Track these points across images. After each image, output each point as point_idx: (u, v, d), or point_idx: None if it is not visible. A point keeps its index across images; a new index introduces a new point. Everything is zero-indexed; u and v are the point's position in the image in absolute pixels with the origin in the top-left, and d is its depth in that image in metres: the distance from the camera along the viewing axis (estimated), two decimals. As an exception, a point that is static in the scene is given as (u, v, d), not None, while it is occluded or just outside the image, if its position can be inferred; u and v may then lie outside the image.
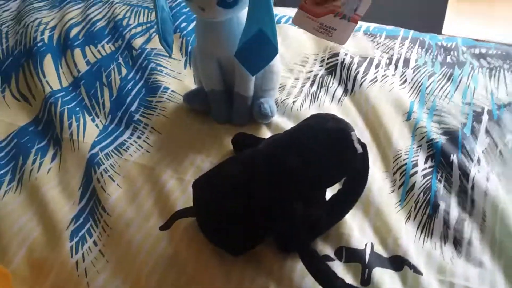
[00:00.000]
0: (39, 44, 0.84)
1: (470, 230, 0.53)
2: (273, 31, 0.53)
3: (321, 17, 0.53)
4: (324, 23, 0.53)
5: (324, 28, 0.53)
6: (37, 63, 0.80)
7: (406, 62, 0.77)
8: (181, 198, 0.58)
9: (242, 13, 0.58)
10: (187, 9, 0.92)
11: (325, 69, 0.77)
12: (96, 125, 0.69)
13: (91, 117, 0.71)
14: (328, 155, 0.49)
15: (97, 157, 0.63)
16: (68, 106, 0.71)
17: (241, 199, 0.49)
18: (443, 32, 1.23)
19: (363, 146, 0.51)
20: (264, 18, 0.52)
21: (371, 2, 0.53)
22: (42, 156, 0.65)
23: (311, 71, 0.78)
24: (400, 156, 0.62)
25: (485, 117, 0.66)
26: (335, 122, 0.52)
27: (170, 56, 0.68)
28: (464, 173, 0.58)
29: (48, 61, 0.81)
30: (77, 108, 0.72)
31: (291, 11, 0.93)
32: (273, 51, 0.55)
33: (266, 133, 0.67)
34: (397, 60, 0.77)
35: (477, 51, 0.81)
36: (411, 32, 0.86)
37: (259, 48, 0.54)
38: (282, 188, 0.48)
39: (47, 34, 0.88)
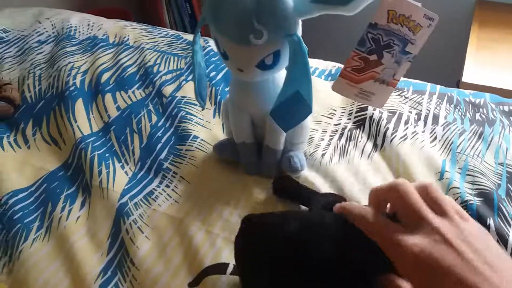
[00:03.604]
0: (71, 88, 0.86)
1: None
2: (309, 92, 0.53)
3: (361, 83, 0.53)
4: (364, 88, 0.54)
5: (363, 93, 0.54)
6: (69, 107, 0.81)
7: (435, 118, 0.77)
8: (209, 252, 0.57)
9: (278, 74, 0.59)
10: (217, 57, 0.94)
11: (353, 123, 0.78)
12: (126, 173, 0.70)
13: (120, 164, 0.71)
14: None
15: (127, 207, 0.63)
16: (98, 152, 0.72)
17: (296, 258, 0.42)
18: (463, 79, 1.23)
19: None
20: (302, 81, 0.53)
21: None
22: (71, 203, 0.65)
23: (339, 124, 0.78)
24: (434, 217, 0.60)
25: (519, 179, 0.65)
26: None
27: (203, 109, 0.68)
28: (502, 238, 0.57)
29: (80, 105, 0.82)
30: (107, 154, 0.72)
31: (318, 63, 0.95)
32: (308, 111, 0.56)
33: (294, 186, 0.66)
34: (426, 116, 0.77)
35: (506, 108, 0.80)
36: (438, 87, 0.86)
37: (295, 108, 0.55)
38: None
39: (79, 78, 0.90)
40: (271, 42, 0.53)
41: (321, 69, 0.92)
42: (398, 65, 0.52)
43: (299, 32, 0.55)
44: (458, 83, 1.23)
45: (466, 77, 1.23)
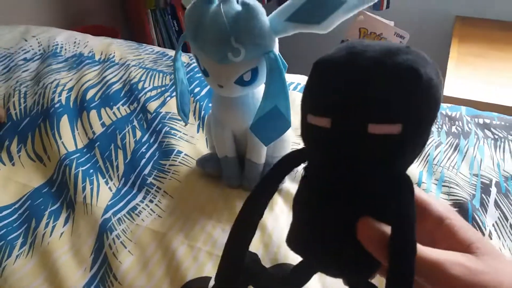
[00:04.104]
0: (56, 105, 0.87)
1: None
2: (286, 107, 0.55)
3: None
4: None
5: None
6: (54, 124, 0.82)
7: (413, 131, 0.79)
8: (192, 266, 0.58)
9: (258, 89, 0.61)
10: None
11: (334, 136, 0.79)
12: (109, 188, 0.70)
13: (105, 179, 0.72)
14: None
15: (110, 222, 0.64)
16: (82, 168, 0.73)
17: None
18: (444, 93, 1.27)
19: None
20: (279, 96, 0.55)
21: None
22: (55, 219, 0.65)
23: (320, 137, 0.79)
24: (411, 228, 0.62)
25: (493, 190, 0.67)
26: None
27: (186, 124, 0.70)
28: (476, 247, 0.58)
29: (65, 122, 0.83)
30: (91, 171, 0.73)
31: (298, 78, 0.97)
32: (286, 125, 0.58)
33: (276, 199, 0.68)
34: (404, 129, 0.79)
35: (481, 121, 0.83)
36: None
37: (273, 122, 0.57)
38: None
39: (64, 95, 0.91)
40: (249, 60, 0.55)
41: (303, 84, 0.94)
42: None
43: (276, 49, 0.57)
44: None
45: (446, 91, 1.26)
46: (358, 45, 0.29)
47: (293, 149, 0.39)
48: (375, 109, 0.28)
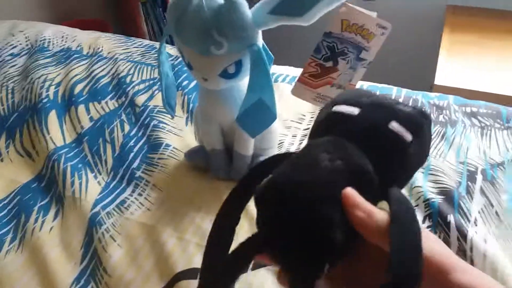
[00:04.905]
0: (44, 100, 0.87)
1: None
2: (271, 99, 0.56)
3: (319, 88, 0.56)
4: (321, 93, 0.57)
5: (321, 97, 0.57)
6: (42, 119, 0.82)
7: (401, 120, 0.79)
8: (181, 258, 0.58)
9: (243, 81, 0.61)
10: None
11: (323, 127, 0.80)
12: (98, 182, 0.70)
13: (93, 174, 0.72)
14: None
15: (99, 216, 0.64)
16: (71, 163, 0.73)
17: None
18: (435, 82, 1.27)
19: None
20: (264, 88, 0.55)
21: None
22: (45, 214, 0.65)
23: (308, 129, 0.80)
24: (398, 216, 0.63)
25: (479, 177, 0.68)
26: None
27: (173, 117, 0.70)
28: (462, 234, 0.59)
29: (53, 117, 0.83)
30: (80, 165, 0.73)
31: (286, 70, 0.97)
32: (272, 117, 0.58)
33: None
34: (392, 119, 0.80)
35: (468, 109, 0.84)
36: (404, 90, 0.89)
37: (259, 115, 0.57)
38: None
39: (52, 90, 0.90)
40: (232, 52, 0.55)
41: (292, 76, 0.94)
42: (353, 71, 0.54)
43: (260, 41, 0.57)
44: (432, 86, 1.26)
45: (438, 80, 1.26)
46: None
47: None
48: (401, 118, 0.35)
